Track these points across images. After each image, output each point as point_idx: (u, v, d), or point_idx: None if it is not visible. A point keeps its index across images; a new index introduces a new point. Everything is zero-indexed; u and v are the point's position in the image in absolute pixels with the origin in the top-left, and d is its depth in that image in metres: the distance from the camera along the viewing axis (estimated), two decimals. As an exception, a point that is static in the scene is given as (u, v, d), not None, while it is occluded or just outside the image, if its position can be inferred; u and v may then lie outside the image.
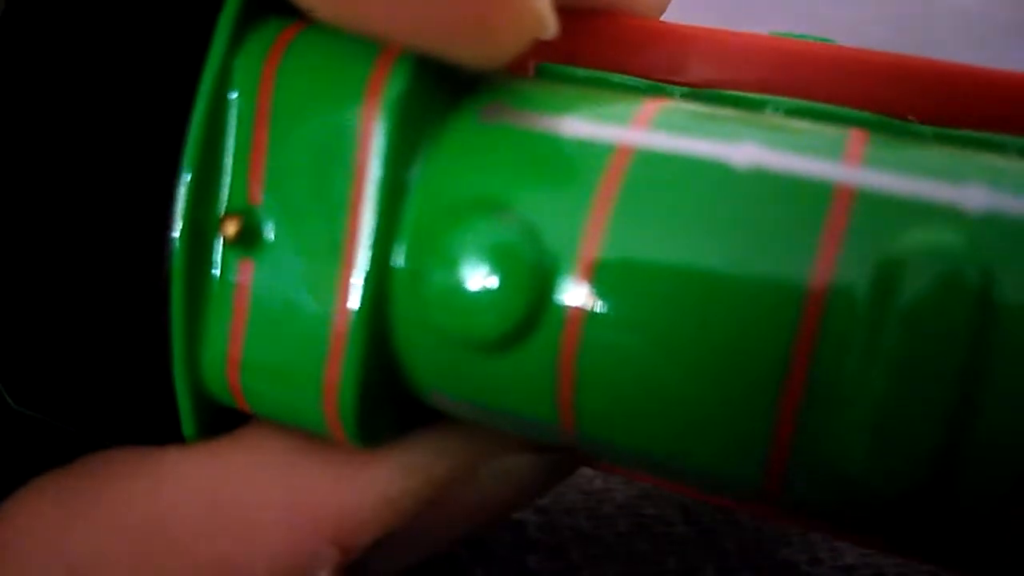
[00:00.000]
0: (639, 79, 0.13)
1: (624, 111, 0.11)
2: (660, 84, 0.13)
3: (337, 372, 0.11)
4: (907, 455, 0.09)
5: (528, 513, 0.17)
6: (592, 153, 0.10)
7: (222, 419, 0.12)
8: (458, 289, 0.10)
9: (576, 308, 0.10)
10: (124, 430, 0.13)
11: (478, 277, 0.10)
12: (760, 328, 0.09)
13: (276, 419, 0.12)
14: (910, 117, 0.12)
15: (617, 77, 0.13)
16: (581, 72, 0.13)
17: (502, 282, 0.10)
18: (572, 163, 0.10)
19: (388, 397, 0.12)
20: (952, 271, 0.09)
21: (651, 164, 0.10)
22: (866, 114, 0.11)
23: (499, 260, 0.10)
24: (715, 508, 0.17)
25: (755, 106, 0.12)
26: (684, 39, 0.13)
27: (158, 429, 0.12)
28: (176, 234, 0.11)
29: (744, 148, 0.10)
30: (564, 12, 0.13)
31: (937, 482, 0.09)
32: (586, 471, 0.17)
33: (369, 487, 0.12)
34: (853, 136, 0.10)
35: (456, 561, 0.16)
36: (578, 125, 0.11)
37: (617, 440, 0.10)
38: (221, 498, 0.12)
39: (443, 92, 0.11)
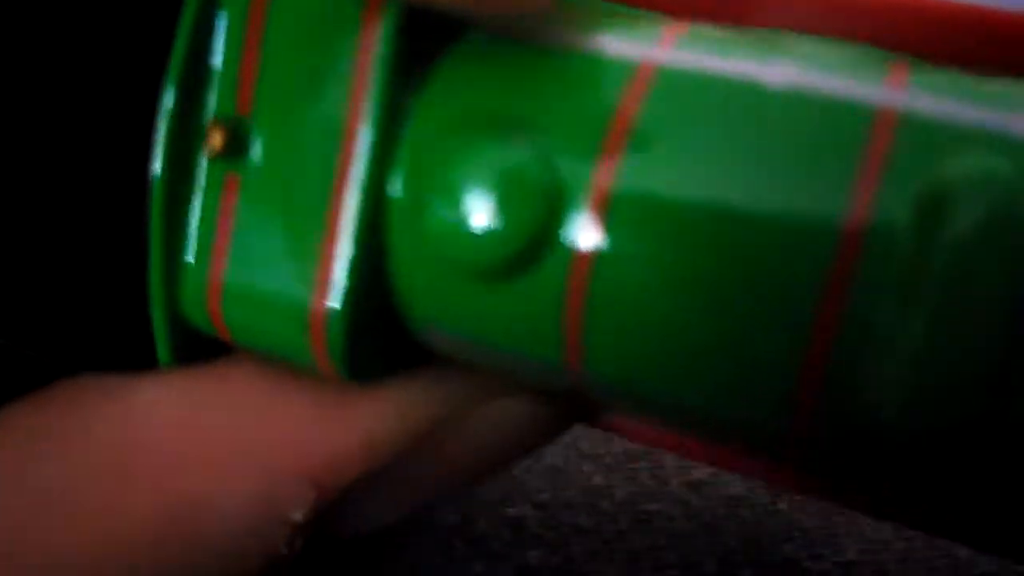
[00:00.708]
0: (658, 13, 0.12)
1: (650, 31, 0.10)
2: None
3: (326, 300, 0.10)
4: (949, 401, 0.08)
5: (527, 509, 0.17)
6: (613, 70, 0.10)
7: (200, 347, 0.12)
8: (462, 215, 0.09)
9: (588, 238, 0.09)
10: (97, 357, 0.12)
11: (484, 204, 0.09)
12: (789, 266, 0.08)
13: (259, 350, 0.11)
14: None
15: (645, 12, 0.11)
16: (607, 4, 0.12)
17: (509, 208, 0.09)
18: (591, 80, 0.10)
19: (379, 331, 0.11)
20: (1004, 197, 0.08)
21: (676, 83, 0.09)
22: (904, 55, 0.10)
23: (507, 186, 0.09)
24: (716, 503, 0.17)
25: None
26: None
27: (132, 355, 0.12)
28: (158, 148, 0.11)
29: (779, 68, 0.09)
30: None
31: (986, 422, 0.08)
32: (585, 468, 0.17)
33: (352, 427, 0.12)
34: (897, 62, 0.09)
35: (455, 556, 0.16)
36: (600, 41, 0.10)
37: (630, 381, 0.09)
38: (193, 432, 0.12)
39: (451, 9, 0.10)
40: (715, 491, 0.17)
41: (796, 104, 0.09)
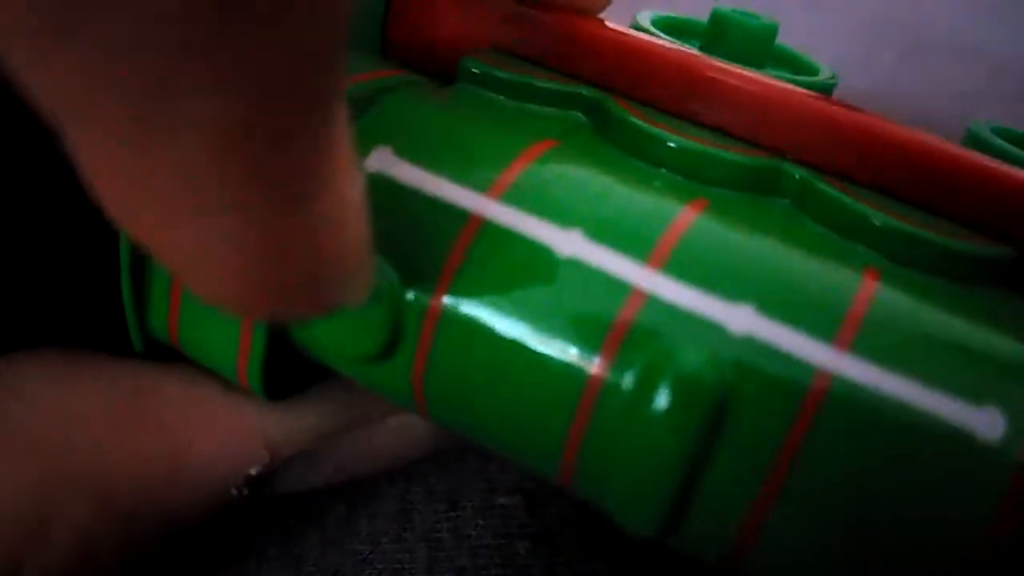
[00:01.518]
0: (561, 83, 0.14)
1: (488, 174, 0.13)
2: (572, 88, 0.14)
3: (248, 345, 0.14)
4: (644, 518, 0.11)
5: (516, 499, 0.17)
6: (450, 217, 0.12)
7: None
8: (339, 320, 0.13)
9: (424, 341, 0.12)
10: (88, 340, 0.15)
11: (355, 311, 0.12)
12: (553, 396, 0.12)
13: (202, 364, 0.15)
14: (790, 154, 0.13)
15: (540, 81, 0.14)
16: (504, 75, 0.14)
17: (375, 315, 0.12)
18: (434, 223, 0.12)
19: (291, 365, 0.14)
20: (696, 387, 0.11)
21: (493, 237, 0.12)
22: (741, 159, 0.13)
23: (373, 298, 0.12)
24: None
25: (649, 141, 0.13)
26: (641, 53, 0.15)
27: (118, 344, 0.15)
28: None
29: (571, 234, 0.12)
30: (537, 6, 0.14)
31: (665, 537, 0.12)
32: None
33: (303, 416, 0.16)
34: (676, 222, 0.12)
35: (442, 547, 0.16)
36: (445, 186, 0.13)
37: (456, 427, 0.13)
38: (193, 396, 0.15)
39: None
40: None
41: (574, 271, 0.12)
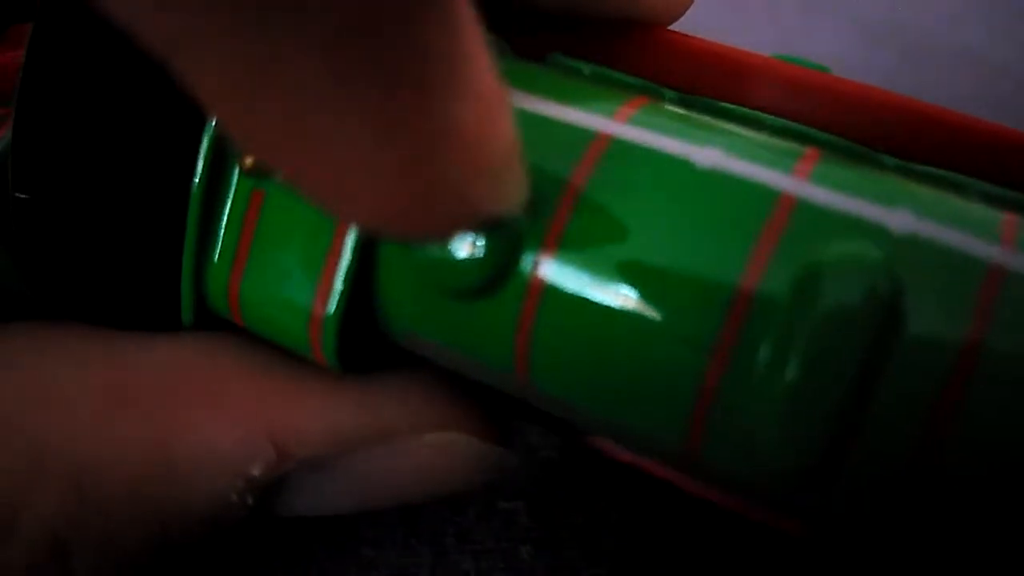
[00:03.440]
0: (638, 79, 0.14)
1: (609, 105, 0.12)
2: (656, 86, 0.14)
3: (324, 304, 0.12)
4: (806, 436, 0.10)
5: (519, 504, 0.17)
6: (575, 137, 0.12)
7: (213, 323, 0.14)
8: (443, 249, 0.11)
9: (539, 273, 0.11)
10: (128, 319, 0.14)
11: (460, 239, 0.11)
12: (695, 312, 0.10)
13: (265, 332, 0.13)
14: (879, 148, 0.13)
15: (618, 74, 0.14)
16: (586, 66, 0.14)
17: (480, 244, 0.11)
18: (556, 143, 0.12)
19: (366, 333, 0.13)
20: (866, 284, 0.10)
21: (624, 153, 0.11)
22: (837, 139, 0.12)
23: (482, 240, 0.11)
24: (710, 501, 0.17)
25: (740, 120, 0.13)
26: (691, 53, 0.14)
27: (158, 320, 0.14)
28: (200, 156, 0.12)
29: (708, 151, 0.11)
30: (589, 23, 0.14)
31: (829, 463, 0.10)
32: (577, 462, 0.17)
33: (323, 412, 0.13)
34: (807, 154, 0.11)
35: (445, 551, 0.16)
36: (567, 111, 0.12)
37: (561, 393, 0.12)
38: (192, 377, 0.13)
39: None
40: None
41: (715, 182, 0.11)
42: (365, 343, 0.13)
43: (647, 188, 0.11)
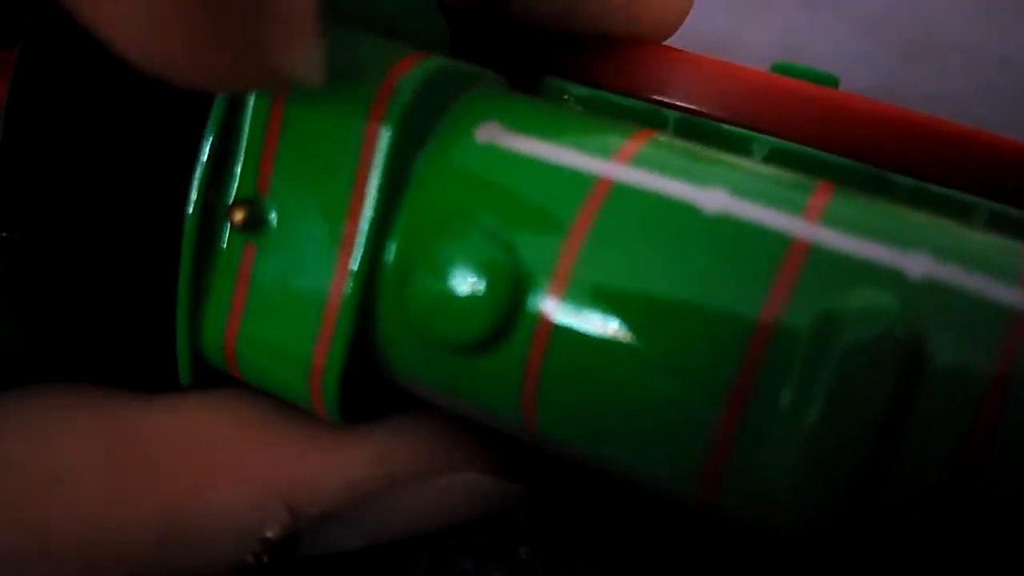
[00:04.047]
0: (636, 100, 0.14)
1: (609, 144, 0.12)
2: (656, 107, 0.13)
3: (324, 355, 0.12)
4: (828, 486, 0.10)
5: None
6: (575, 181, 0.11)
7: (213, 379, 0.13)
8: (440, 296, 0.11)
9: (545, 322, 0.11)
10: (125, 376, 0.13)
11: (460, 286, 0.11)
12: (708, 359, 0.10)
13: (265, 389, 0.13)
14: (890, 167, 0.13)
15: (616, 97, 0.13)
16: (582, 90, 0.14)
17: (481, 293, 0.11)
18: (556, 189, 0.11)
19: (367, 381, 0.12)
20: (885, 331, 0.10)
21: (627, 198, 0.11)
22: (845, 161, 0.12)
23: (480, 273, 0.11)
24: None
25: (740, 141, 0.13)
26: (686, 64, 0.14)
27: (157, 378, 0.13)
28: (189, 212, 0.12)
29: (714, 193, 0.11)
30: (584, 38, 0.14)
31: (851, 513, 0.10)
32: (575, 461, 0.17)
33: (333, 466, 0.13)
34: (819, 190, 0.11)
35: (443, 551, 0.16)
36: (565, 153, 0.11)
37: (573, 442, 0.11)
38: (198, 441, 0.13)
39: (442, 104, 0.12)
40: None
41: (724, 227, 0.11)
42: (366, 389, 0.13)
43: (653, 236, 0.11)
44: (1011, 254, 0.10)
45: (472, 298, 0.11)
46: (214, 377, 0.13)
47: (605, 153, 0.11)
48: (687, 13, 0.15)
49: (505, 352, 0.11)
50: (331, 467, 0.13)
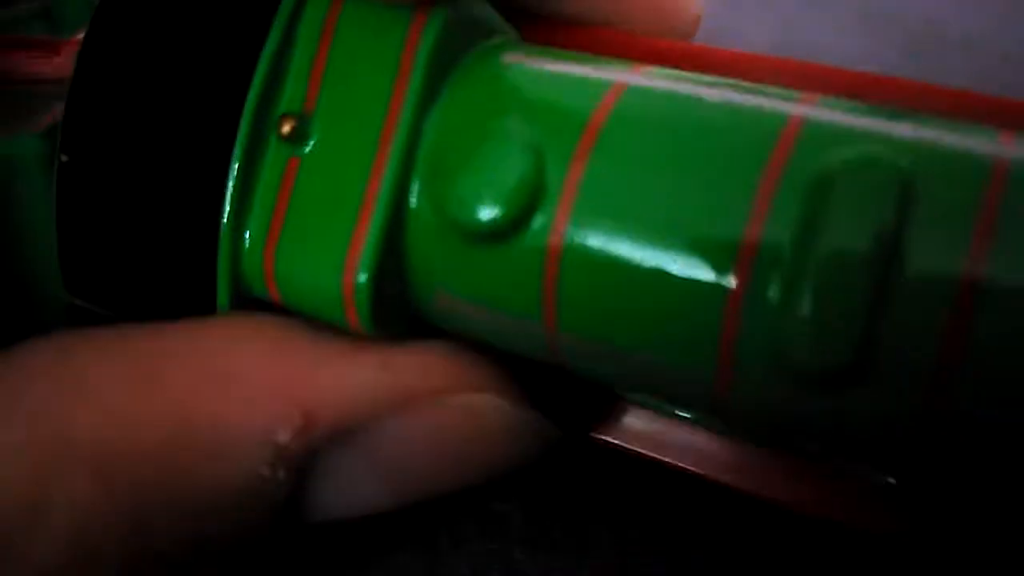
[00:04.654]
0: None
1: (623, 66, 0.13)
2: None
3: (359, 252, 0.13)
4: (838, 337, 0.10)
5: (513, 506, 0.17)
6: (594, 86, 0.13)
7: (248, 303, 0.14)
8: (471, 182, 0.12)
9: (565, 204, 0.12)
10: (163, 307, 0.14)
11: (488, 172, 0.12)
12: (717, 218, 0.11)
13: (299, 300, 0.14)
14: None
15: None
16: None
17: (509, 177, 0.12)
18: (577, 91, 0.13)
19: (395, 292, 0.13)
20: (880, 169, 0.11)
21: (639, 94, 0.12)
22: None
23: (509, 160, 0.12)
24: (706, 503, 0.17)
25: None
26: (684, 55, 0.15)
27: (193, 309, 0.14)
28: (242, 126, 0.13)
29: (716, 90, 0.12)
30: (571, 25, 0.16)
31: (862, 361, 0.10)
32: (572, 462, 0.17)
33: (347, 376, 0.13)
34: (806, 95, 0.12)
35: (439, 553, 0.16)
36: (584, 69, 0.13)
37: (589, 333, 0.12)
38: (214, 355, 0.13)
39: (469, 34, 0.14)
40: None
41: (726, 110, 0.12)
42: (396, 314, 0.13)
43: (661, 122, 0.12)
44: (988, 132, 0.11)
45: (499, 182, 0.12)
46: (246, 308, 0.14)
47: (620, 69, 0.13)
48: (694, 15, 0.16)
49: (529, 237, 0.12)
50: (345, 376, 0.13)
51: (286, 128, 0.13)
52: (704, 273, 0.11)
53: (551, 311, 0.12)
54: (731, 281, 0.11)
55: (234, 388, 0.13)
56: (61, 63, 0.17)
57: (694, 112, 0.12)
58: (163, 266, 0.14)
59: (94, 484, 0.12)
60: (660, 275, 0.11)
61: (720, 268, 0.11)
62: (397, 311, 0.14)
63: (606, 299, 0.12)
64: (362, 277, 0.13)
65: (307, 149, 0.13)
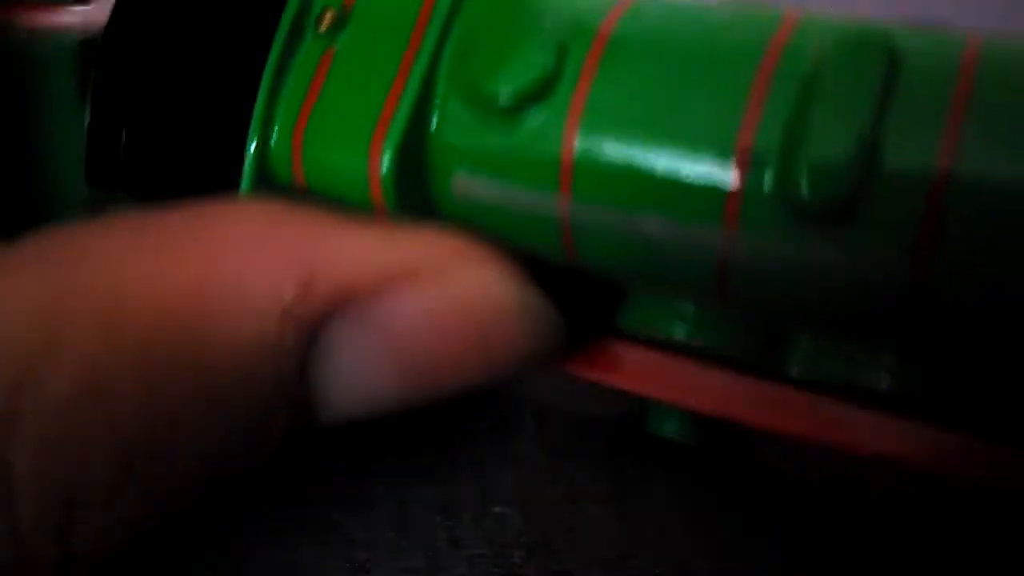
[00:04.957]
0: None
1: None
2: None
3: (384, 137, 0.14)
4: (833, 174, 0.12)
5: (512, 508, 0.17)
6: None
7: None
8: (497, 57, 0.13)
9: (585, 78, 0.13)
10: (188, 189, 0.15)
11: (515, 49, 0.13)
12: (718, 89, 0.13)
13: (324, 181, 0.15)
14: None
15: None
16: None
17: (533, 56, 0.13)
18: (589, 4, 0.14)
19: (417, 175, 0.14)
20: (868, 41, 0.12)
21: (646, 3, 0.14)
22: None
23: (535, 43, 0.13)
24: (706, 505, 0.17)
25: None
26: None
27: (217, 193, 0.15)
28: (283, 23, 0.14)
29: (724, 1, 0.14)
30: None
31: (854, 195, 0.12)
32: (568, 465, 0.17)
33: (351, 243, 0.13)
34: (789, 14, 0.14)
35: (437, 555, 0.16)
36: None
37: (603, 198, 0.13)
38: (221, 229, 0.13)
39: None
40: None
41: (730, 10, 0.13)
42: (418, 197, 0.14)
43: (668, 25, 0.13)
44: (957, 37, 0.13)
45: (525, 54, 0.13)
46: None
47: None
48: None
49: (550, 105, 0.13)
50: (350, 243, 0.13)
51: (327, 20, 0.14)
52: (711, 133, 0.12)
53: (567, 180, 0.13)
54: (737, 137, 0.12)
55: (242, 251, 0.13)
56: (92, 13, 0.18)
57: (699, 14, 0.13)
58: (191, 150, 0.15)
59: (103, 335, 0.12)
60: (671, 135, 0.13)
61: (726, 126, 0.12)
62: (418, 195, 0.14)
63: (619, 164, 0.13)
64: (388, 154, 0.14)
65: (342, 42, 0.14)
